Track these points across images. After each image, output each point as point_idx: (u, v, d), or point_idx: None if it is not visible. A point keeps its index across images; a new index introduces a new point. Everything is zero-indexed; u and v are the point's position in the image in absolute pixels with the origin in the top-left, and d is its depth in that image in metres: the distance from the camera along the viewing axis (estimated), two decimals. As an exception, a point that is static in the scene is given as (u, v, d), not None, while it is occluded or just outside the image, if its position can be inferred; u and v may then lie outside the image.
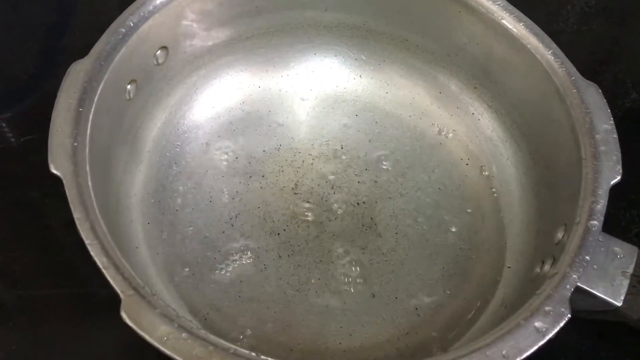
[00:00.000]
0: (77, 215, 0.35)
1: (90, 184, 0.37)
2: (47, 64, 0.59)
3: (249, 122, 0.54)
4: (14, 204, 0.51)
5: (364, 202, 0.51)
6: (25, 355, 0.44)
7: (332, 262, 0.48)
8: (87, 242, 0.34)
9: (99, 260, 0.34)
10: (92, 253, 0.34)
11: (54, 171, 0.36)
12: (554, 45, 0.45)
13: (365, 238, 0.49)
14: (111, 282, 0.33)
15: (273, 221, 0.49)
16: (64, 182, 0.36)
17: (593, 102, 0.42)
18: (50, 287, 0.47)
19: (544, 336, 0.33)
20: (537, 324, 0.34)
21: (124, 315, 0.32)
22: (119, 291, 0.33)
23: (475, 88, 0.52)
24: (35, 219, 0.50)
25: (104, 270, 0.33)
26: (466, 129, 0.53)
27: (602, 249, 0.38)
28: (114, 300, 0.33)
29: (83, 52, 0.42)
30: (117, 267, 0.34)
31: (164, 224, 0.48)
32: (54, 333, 0.45)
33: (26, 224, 0.50)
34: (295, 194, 0.51)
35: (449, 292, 0.46)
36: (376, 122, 0.55)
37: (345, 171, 0.52)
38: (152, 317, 0.32)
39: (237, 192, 0.50)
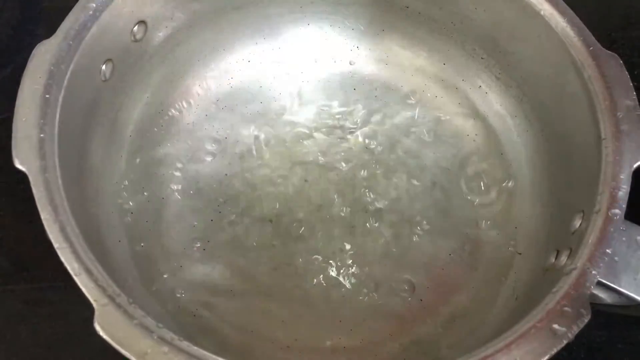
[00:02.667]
0: (44, 215, 0.32)
1: (60, 180, 0.33)
2: (21, 35, 0.55)
3: (238, 98, 0.50)
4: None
5: (364, 184, 0.47)
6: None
7: (331, 250, 0.44)
8: (56, 245, 0.31)
9: (70, 266, 0.31)
10: (62, 258, 0.31)
11: (19, 166, 0.33)
12: (571, 12, 0.40)
13: (366, 224, 0.46)
14: (83, 290, 0.30)
15: (266, 207, 0.46)
16: (30, 179, 0.33)
17: (614, 76, 0.38)
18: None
19: (561, 340, 0.30)
20: (554, 326, 0.31)
21: (97, 327, 0.29)
22: (92, 300, 0.30)
23: (482, 59, 0.48)
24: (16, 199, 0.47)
25: (75, 277, 0.30)
26: (473, 103, 0.49)
27: (624, 238, 0.34)
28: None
29: (59, 23, 0.38)
30: (90, 273, 0.31)
31: (148, 212, 0.44)
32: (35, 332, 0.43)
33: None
34: (290, 176, 0.47)
35: (456, 282, 0.43)
36: (376, 96, 0.51)
37: (344, 150, 0.49)
38: (129, 328, 0.29)
39: (226, 175, 0.47)
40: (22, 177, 0.46)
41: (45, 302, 0.43)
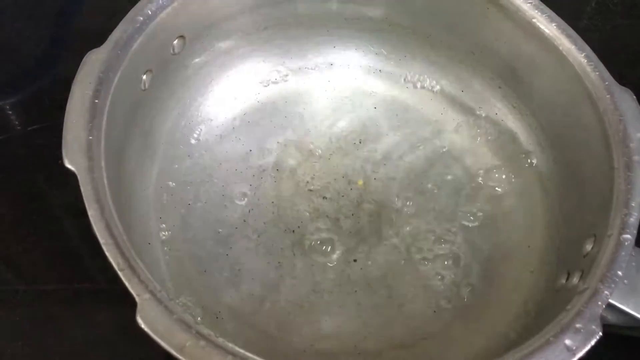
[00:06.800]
0: (91, 212, 0.34)
1: (105, 180, 0.35)
2: (55, 49, 0.57)
3: (264, 113, 0.52)
4: (20, 193, 0.49)
5: (382, 200, 0.49)
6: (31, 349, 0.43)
7: (348, 261, 0.46)
8: (102, 241, 0.33)
9: (115, 261, 0.32)
10: (107, 254, 0.33)
11: (69, 166, 0.35)
12: (588, 48, 0.43)
13: (383, 237, 0.47)
14: (127, 284, 0.32)
15: (288, 218, 0.48)
16: (79, 177, 0.34)
17: (627, 109, 0.41)
18: (57, 281, 0.46)
19: (574, 355, 0.32)
20: (567, 341, 0.33)
21: (139, 320, 0.31)
22: (134, 294, 0.32)
23: (499, 87, 0.50)
24: (42, 209, 0.49)
25: (119, 272, 0.32)
26: (490, 129, 0.52)
27: (634, 263, 0.37)
28: (122, 298, 0.32)
29: (92, 37, 0.40)
30: (133, 269, 0.32)
31: (176, 218, 0.46)
32: (61, 329, 0.44)
33: (33, 215, 0.48)
34: (311, 189, 0.49)
35: (468, 295, 0.45)
36: (396, 115, 0.53)
37: (363, 166, 0.51)
38: (169, 323, 0.31)
39: (250, 185, 0.49)
40: (57, 182, 0.49)
41: (74, 304, 0.45)
